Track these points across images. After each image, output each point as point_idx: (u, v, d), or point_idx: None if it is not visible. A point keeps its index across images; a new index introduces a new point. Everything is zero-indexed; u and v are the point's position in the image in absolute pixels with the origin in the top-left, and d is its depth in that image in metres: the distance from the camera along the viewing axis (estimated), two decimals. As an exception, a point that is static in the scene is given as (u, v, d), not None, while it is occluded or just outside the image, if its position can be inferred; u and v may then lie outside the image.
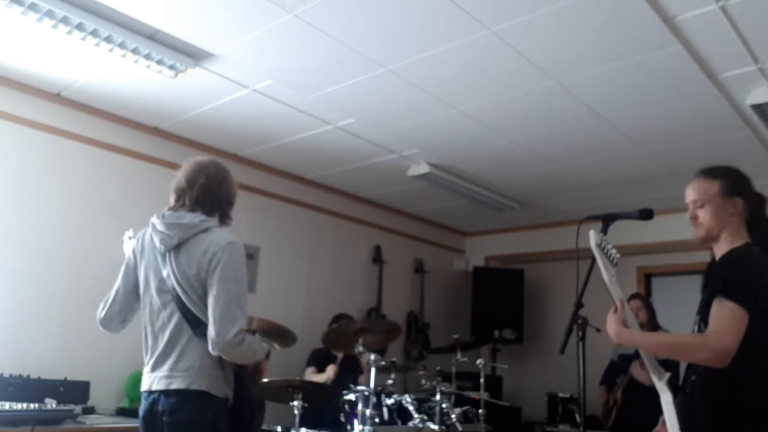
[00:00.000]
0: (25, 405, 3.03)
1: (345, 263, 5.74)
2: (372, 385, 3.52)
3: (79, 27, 3.04)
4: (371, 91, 3.63)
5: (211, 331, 2.14)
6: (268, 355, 2.39)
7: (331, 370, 4.36)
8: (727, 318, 1.87)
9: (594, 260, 2.17)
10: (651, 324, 4.13)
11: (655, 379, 2.15)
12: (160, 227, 2.28)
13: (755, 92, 3.40)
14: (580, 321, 2.16)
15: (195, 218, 2.28)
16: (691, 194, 2.14)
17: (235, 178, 2.46)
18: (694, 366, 2.04)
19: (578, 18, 2.80)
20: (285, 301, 5.15)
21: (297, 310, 5.22)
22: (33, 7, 2.89)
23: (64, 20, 2.99)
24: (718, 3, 2.65)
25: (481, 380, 4.33)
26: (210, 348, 2.15)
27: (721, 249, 2.07)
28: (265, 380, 3.31)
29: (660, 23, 2.79)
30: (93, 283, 3.68)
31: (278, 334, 3.59)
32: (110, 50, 3.24)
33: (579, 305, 2.18)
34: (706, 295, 2.00)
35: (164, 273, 2.26)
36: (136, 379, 3.83)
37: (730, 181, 2.11)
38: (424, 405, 3.88)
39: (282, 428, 3.72)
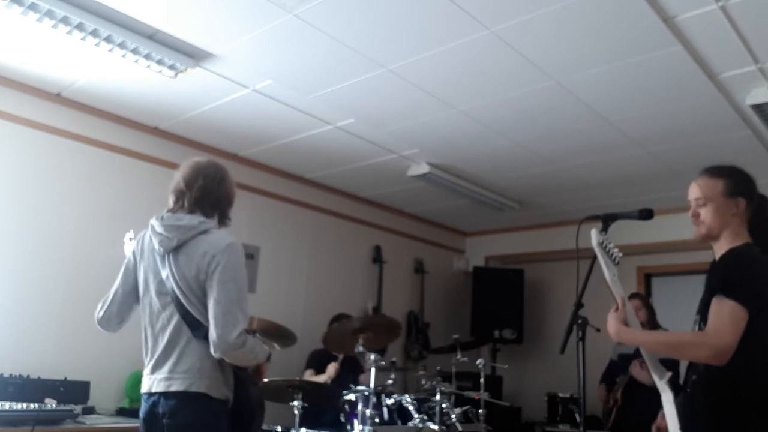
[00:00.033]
0: (25, 405, 3.03)
1: (345, 263, 5.74)
2: (372, 385, 3.52)
3: (79, 27, 3.04)
4: (371, 91, 3.63)
5: (212, 334, 2.14)
6: (268, 358, 2.38)
7: (332, 368, 4.36)
8: (727, 316, 1.88)
9: (594, 260, 2.17)
10: (651, 324, 4.13)
11: (656, 378, 2.16)
12: (158, 229, 2.28)
13: (755, 92, 3.40)
14: (580, 321, 2.16)
15: (194, 220, 2.28)
16: (694, 192, 2.14)
17: (233, 178, 2.46)
18: (694, 365, 2.05)
19: (578, 18, 2.80)
20: (285, 301, 5.15)
21: (297, 310, 5.22)
22: (33, 7, 2.89)
23: (64, 20, 2.99)
24: (718, 3, 2.65)
25: (481, 380, 4.33)
26: (212, 350, 2.15)
27: (721, 248, 2.07)
28: (265, 380, 3.31)
29: (660, 23, 2.79)
30: (93, 283, 3.67)
31: (278, 334, 3.59)
32: (110, 50, 3.24)
33: (579, 305, 2.18)
34: (706, 294, 2.00)
35: (163, 275, 2.26)
36: (136, 379, 3.83)
37: (734, 180, 2.11)
38: (424, 405, 3.88)
39: (282, 428, 3.72)
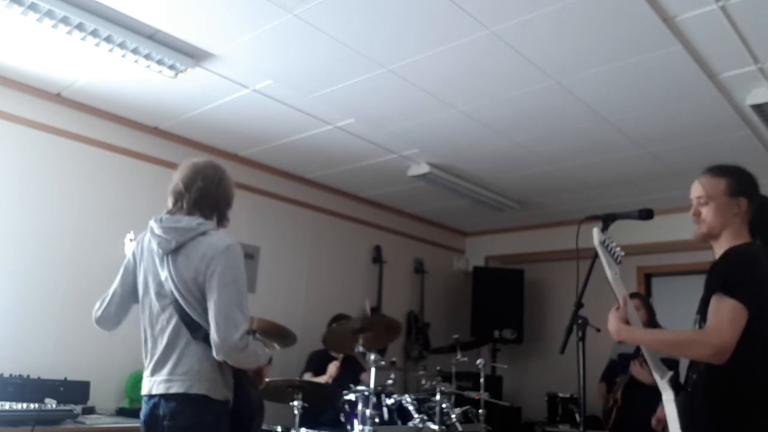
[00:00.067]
0: (25, 405, 3.03)
1: (345, 263, 5.74)
2: (372, 385, 3.52)
3: (79, 27, 3.05)
4: (371, 91, 3.63)
5: (214, 336, 2.14)
6: (270, 361, 2.38)
7: (333, 367, 4.36)
8: (727, 315, 1.88)
9: (594, 260, 2.17)
10: (650, 323, 4.12)
11: (657, 377, 2.16)
12: (157, 231, 2.28)
13: (755, 92, 3.40)
14: (580, 321, 2.16)
15: (192, 222, 2.28)
16: (696, 190, 2.14)
17: (232, 178, 2.45)
18: (695, 364, 2.05)
19: (578, 18, 2.80)
20: (285, 301, 5.15)
21: (297, 310, 5.22)
22: (33, 7, 2.89)
23: (64, 20, 2.99)
24: (718, 3, 2.65)
25: (481, 380, 4.32)
26: (214, 353, 2.15)
27: (721, 248, 2.07)
28: (266, 379, 3.31)
29: (660, 23, 2.79)
30: (93, 283, 3.66)
31: (278, 334, 3.59)
32: (110, 50, 3.24)
33: (579, 305, 2.18)
34: (706, 293, 2.00)
35: (162, 276, 2.26)
36: (136, 379, 3.83)
37: (737, 180, 2.11)
38: (424, 405, 3.88)
39: (282, 428, 3.72)
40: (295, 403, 3.52)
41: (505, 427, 5.52)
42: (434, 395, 3.84)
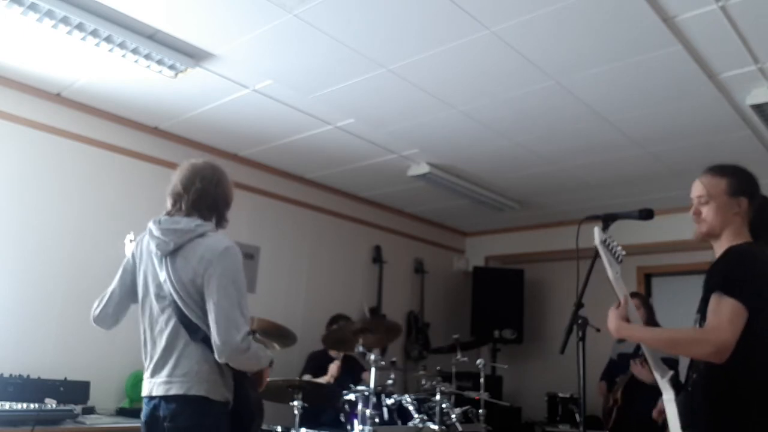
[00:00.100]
0: (25, 405, 3.03)
1: (345, 263, 5.74)
2: (372, 385, 3.52)
3: (79, 27, 3.04)
4: (371, 91, 3.63)
5: (216, 339, 2.14)
6: (271, 363, 2.38)
7: (334, 367, 4.35)
8: (727, 314, 1.88)
9: (594, 260, 2.17)
10: (650, 323, 4.12)
11: (657, 376, 2.16)
12: (156, 233, 2.28)
13: (755, 92, 3.40)
14: (580, 321, 2.16)
15: (190, 223, 2.28)
16: (697, 189, 2.14)
17: (231, 179, 2.45)
18: (695, 364, 2.05)
19: (578, 18, 2.80)
20: (285, 301, 5.15)
21: (297, 310, 5.22)
22: (33, 7, 2.89)
23: (64, 20, 2.99)
24: (718, 3, 2.65)
25: (481, 380, 4.32)
26: (216, 356, 2.15)
27: (721, 247, 2.07)
28: (266, 380, 3.31)
29: (660, 23, 2.79)
30: (93, 283, 3.66)
31: (278, 334, 3.59)
32: (110, 50, 3.24)
33: (579, 305, 2.18)
34: (705, 292, 2.00)
35: (161, 278, 2.26)
36: (136, 379, 3.84)
37: (738, 180, 2.11)
38: (424, 405, 3.88)
39: (282, 428, 3.72)
40: (295, 403, 3.52)
41: (505, 427, 5.52)
42: (434, 395, 3.84)
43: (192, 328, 2.20)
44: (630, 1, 2.66)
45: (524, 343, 6.33)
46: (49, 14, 2.94)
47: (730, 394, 1.92)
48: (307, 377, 4.52)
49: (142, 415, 2.27)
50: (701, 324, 2.01)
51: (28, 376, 3.40)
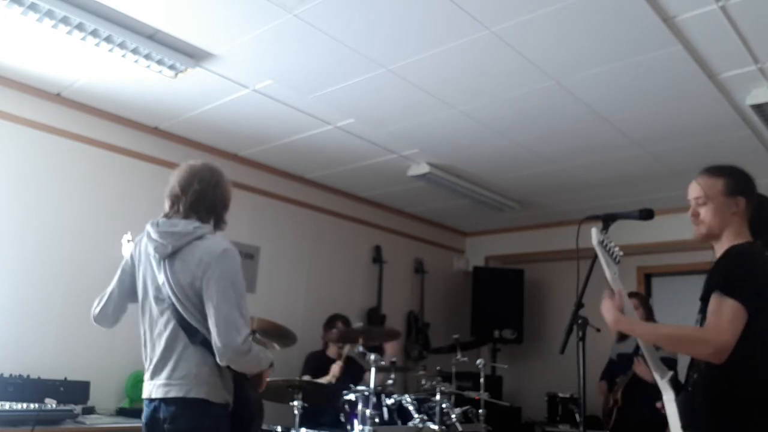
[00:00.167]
0: (25, 405, 3.03)
1: (345, 263, 5.74)
2: (372, 385, 3.52)
3: (79, 27, 3.04)
4: (371, 91, 3.63)
5: (216, 341, 2.14)
6: (271, 365, 2.39)
7: (336, 367, 4.36)
8: (727, 314, 1.88)
9: (594, 260, 2.17)
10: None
11: (657, 377, 2.16)
12: (154, 235, 2.28)
13: (755, 92, 3.40)
14: (580, 321, 2.16)
15: (188, 226, 2.28)
16: (694, 191, 2.14)
17: (229, 180, 2.45)
18: (695, 364, 2.05)
19: (578, 18, 2.80)
20: (285, 301, 5.15)
21: (297, 310, 5.22)
22: (33, 7, 2.89)
23: (64, 20, 2.99)
24: (718, 3, 2.65)
25: (481, 380, 4.33)
26: (218, 358, 2.15)
27: (722, 248, 2.07)
28: (266, 380, 3.31)
29: (660, 23, 2.79)
30: (93, 283, 3.65)
31: (278, 334, 3.59)
32: (110, 50, 3.24)
33: (579, 305, 2.18)
34: (705, 292, 2.00)
35: (160, 281, 2.26)
36: (136, 379, 3.84)
37: (735, 179, 2.11)
38: (424, 405, 3.89)
39: (282, 428, 3.72)
40: (295, 403, 3.52)
41: (505, 427, 5.52)
42: (434, 395, 3.84)
43: (191, 331, 2.20)
44: (630, 1, 2.66)
45: (524, 343, 6.33)
46: (49, 14, 2.94)
47: (731, 394, 1.92)
48: (306, 378, 4.52)
49: (143, 417, 2.28)
50: (702, 324, 2.01)
51: (28, 376, 3.40)
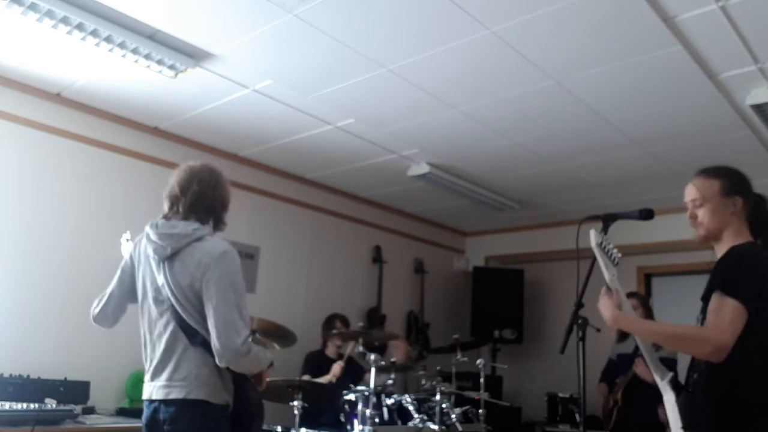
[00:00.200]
0: (25, 405, 3.03)
1: (345, 263, 5.74)
2: (372, 385, 3.52)
3: (79, 27, 3.04)
4: (371, 91, 3.63)
5: (216, 343, 2.14)
6: (271, 365, 2.39)
7: (338, 367, 4.36)
8: (727, 314, 1.88)
9: (593, 261, 2.17)
10: (649, 324, 4.12)
11: (657, 378, 2.15)
12: (153, 237, 2.28)
13: (755, 92, 3.40)
14: (580, 321, 2.16)
15: (188, 227, 2.27)
16: (690, 193, 2.15)
17: (228, 181, 2.45)
18: (696, 364, 2.05)
19: (578, 18, 2.80)
20: (285, 301, 5.15)
21: (297, 310, 5.22)
22: (33, 7, 2.89)
23: (64, 20, 2.99)
24: (718, 3, 2.65)
25: (481, 380, 4.33)
26: (217, 360, 2.15)
27: (723, 248, 2.06)
28: (266, 380, 3.31)
29: (660, 23, 2.79)
30: (93, 283, 3.65)
31: (278, 334, 3.59)
32: (110, 50, 3.24)
33: (579, 305, 2.18)
34: (706, 292, 2.00)
35: (159, 282, 2.26)
36: (136, 379, 3.84)
37: (730, 180, 2.11)
38: (424, 405, 3.89)
39: (282, 428, 3.72)
40: (295, 403, 3.52)
41: (505, 427, 5.52)
42: (434, 395, 3.84)
43: (191, 333, 2.20)
44: (630, 1, 2.66)
45: (524, 343, 6.33)
46: (49, 14, 2.94)
47: (731, 395, 1.92)
48: (306, 377, 4.52)
49: (143, 418, 2.28)
50: (703, 323, 2.00)
51: (28, 376, 3.40)
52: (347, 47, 3.14)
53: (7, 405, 3.01)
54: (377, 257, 5.97)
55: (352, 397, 3.71)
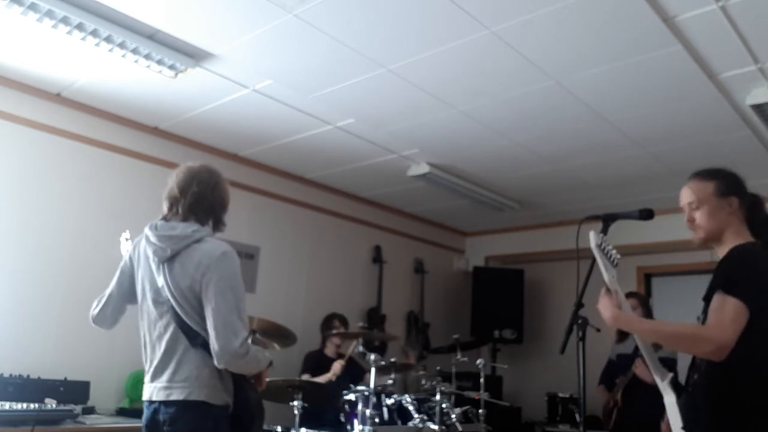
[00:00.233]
0: (25, 405, 3.03)
1: (345, 263, 5.74)
2: (372, 385, 3.52)
3: (79, 27, 3.04)
4: (371, 91, 3.63)
5: (214, 345, 2.14)
6: (270, 365, 2.39)
7: (338, 365, 4.36)
8: (729, 312, 1.88)
9: (593, 262, 2.17)
10: (649, 323, 4.11)
11: (657, 379, 2.15)
12: (152, 239, 2.28)
13: (755, 92, 3.40)
14: (580, 321, 2.16)
15: (187, 229, 2.27)
16: (686, 196, 2.15)
17: (227, 182, 2.45)
18: (696, 365, 2.05)
19: (578, 18, 2.80)
20: (285, 301, 5.15)
21: (297, 310, 5.22)
22: (33, 7, 2.89)
23: (64, 20, 2.99)
24: (718, 3, 2.65)
25: (481, 380, 4.33)
26: (215, 362, 2.15)
27: (725, 249, 2.07)
28: (266, 380, 3.31)
29: (660, 23, 2.79)
30: (93, 283, 3.65)
31: (278, 334, 3.59)
32: (110, 50, 3.24)
33: (579, 305, 2.18)
34: (708, 292, 2.00)
35: (159, 284, 2.26)
36: (136, 379, 3.84)
37: (724, 181, 2.12)
38: (424, 405, 3.89)
39: (282, 428, 3.72)
40: (295, 403, 3.52)
41: (505, 427, 5.52)
42: (434, 395, 3.84)
43: (191, 334, 2.20)
44: (630, 1, 2.66)
45: (524, 343, 6.33)
46: (49, 14, 2.94)
47: (731, 395, 1.92)
48: (306, 377, 4.53)
49: (143, 419, 2.28)
50: (704, 323, 2.01)
51: (28, 376, 3.40)
52: (347, 47, 3.14)
53: (7, 405, 3.01)
54: (377, 257, 5.97)
55: (352, 397, 3.71)
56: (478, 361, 4.35)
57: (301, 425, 3.51)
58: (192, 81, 3.63)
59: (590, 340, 2.16)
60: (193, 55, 3.36)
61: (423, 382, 4.24)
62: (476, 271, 6.60)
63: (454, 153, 4.62)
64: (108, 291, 2.43)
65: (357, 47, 3.15)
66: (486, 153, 4.55)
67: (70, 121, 4.01)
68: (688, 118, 3.75)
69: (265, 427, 3.32)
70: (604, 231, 2.21)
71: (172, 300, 2.21)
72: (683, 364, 2.14)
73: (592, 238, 2.12)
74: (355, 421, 3.50)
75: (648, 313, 4.24)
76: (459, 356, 4.53)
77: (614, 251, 2.17)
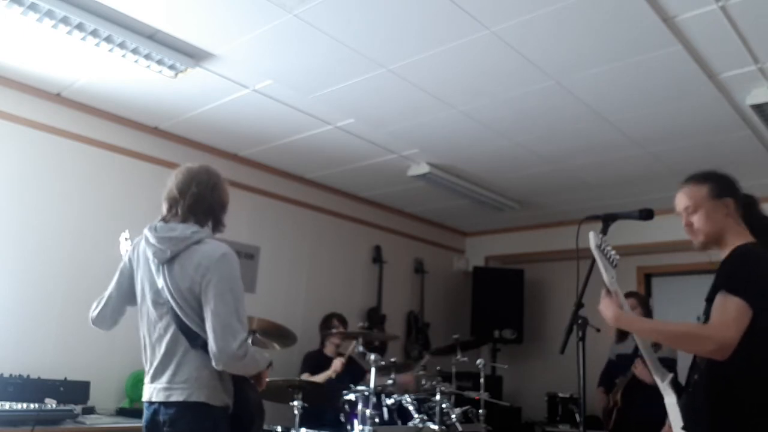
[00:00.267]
0: (25, 405, 3.03)
1: (345, 263, 5.74)
2: (372, 385, 3.52)
3: (79, 27, 3.04)
4: (371, 91, 3.63)
5: (212, 346, 2.14)
6: (269, 365, 2.38)
7: (338, 362, 4.36)
8: (731, 312, 1.88)
9: (593, 262, 2.17)
10: (649, 323, 4.11)
11: (657, 380, 2.15)
12: (152, 240, 2.28)
13: (755, 92, 3.40)
14: (580, 321, 2.16)
15: (186, 230, 2.27)
16: (681, 202, 2.16)
17: (227, 182, 2.45)
18: (696, 365, 2.05)
19: (578, 18, 2.80)
20: (285, 301, 5.15)
21: (297, 310, 5.22)
22: (33, 7, 2.89)
23: (64, 20, 2.99)
24: (718, 3, 2.65)
25: (481, 380, 4.32)
26: (214, 363, 2.15)
27: (727, 250, 2.07)
28: (266, 380, 3.31)
29: (660, 23, 2.79)
30: (93, 283, 3.66)
31: (278, 334, 3.59)
32: (110, 50, 3.24)
33: (579, 305, 2.18)
34: (711, 292, 2.00)
35: (159, 285, 2.26)
36: (136, 379, 3.84)
37: (718, 183, 2.12)
38: (424, 405, 3.88)
39: (282, 428, 3.72)
40: (295, 403, 3.52)
41: (505, 427, 5.53)
42: (434, 395, 3.84)
43: (191, 336, 2.20)
44: (630, 1, 2.66)
45: (524, 343, 6.33)
46: (49, 14, 2.94)
47: (731, 395, 1.92)
48: (305, 376, 4.53)
49: (143, 420, 2.28)
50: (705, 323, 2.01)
51: (28, 376, 3.40)
52: (347, 47, 3.14)
53: (7, 405, 3.01)
54: (377, 257, 5.97)
55: (352, 397, 3.71)
56: (478, 361, 4.35)
57: (301, 425, 3.52)
58: (192, 81, 3.63)
59: (590, 340, 2.16)
60: (193, 55, 3.36)
61: (423, 382, 4.24)
62: (476, 271, 6.60)
63: (454, 153, 4.62)
64: (107, 292, 2.43)
65: (357, 47, 3.15)
66: (486, 153, 4.55)
67: (70, 121, 4.01)
68: (688, 118, 3.75)
69: (265, 427, 3.32)
70: (604, 231, 2.21)
71: (171, 301, 2.21)
72: (683, 364, 2.14)
73: (592, 239, 2.12)
74: (355, 421, 3.50)
75: (647, 313, 4.24)
76: (459, 356, 4.52)
77: (613, 252, 2.17)
